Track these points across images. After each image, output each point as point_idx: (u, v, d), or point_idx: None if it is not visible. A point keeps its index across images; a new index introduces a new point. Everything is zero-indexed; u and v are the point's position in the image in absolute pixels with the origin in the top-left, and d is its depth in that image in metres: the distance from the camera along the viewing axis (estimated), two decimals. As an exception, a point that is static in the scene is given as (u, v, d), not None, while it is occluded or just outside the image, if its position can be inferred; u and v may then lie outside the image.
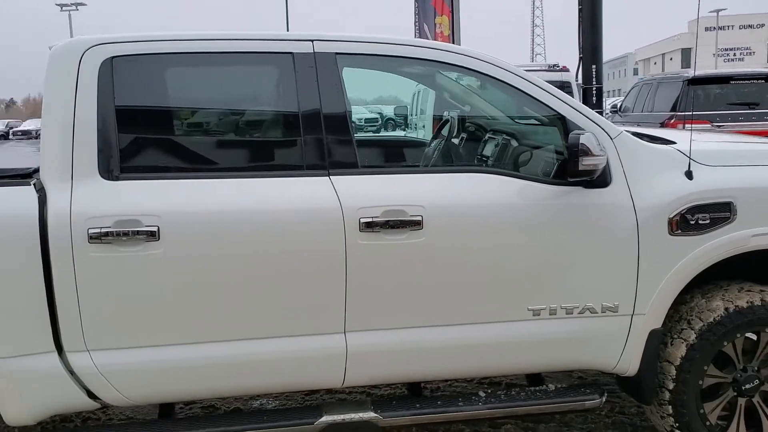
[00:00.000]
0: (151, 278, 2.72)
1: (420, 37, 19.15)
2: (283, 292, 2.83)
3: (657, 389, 3.21)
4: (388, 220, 2.85)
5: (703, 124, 9.96)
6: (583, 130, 2.97)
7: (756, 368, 3.21)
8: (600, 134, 3.03)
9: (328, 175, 2.89)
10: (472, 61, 3.06)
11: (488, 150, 3.64)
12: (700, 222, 3.03)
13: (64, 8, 45.53)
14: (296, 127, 2.93)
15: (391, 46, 3.04)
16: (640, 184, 3.04)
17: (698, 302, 3.22)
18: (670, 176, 3.07)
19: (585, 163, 2.80)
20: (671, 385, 3.14)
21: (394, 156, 4.07)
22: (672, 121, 10.24)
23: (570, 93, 9.84)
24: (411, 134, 12.51)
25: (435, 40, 18.74)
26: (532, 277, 2.98)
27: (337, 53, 2.97)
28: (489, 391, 3.16)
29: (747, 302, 3.14)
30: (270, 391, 3.11)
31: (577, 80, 12.15)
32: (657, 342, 3.11)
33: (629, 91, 13.84)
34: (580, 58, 11.83)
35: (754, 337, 3.20)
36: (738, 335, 3.16)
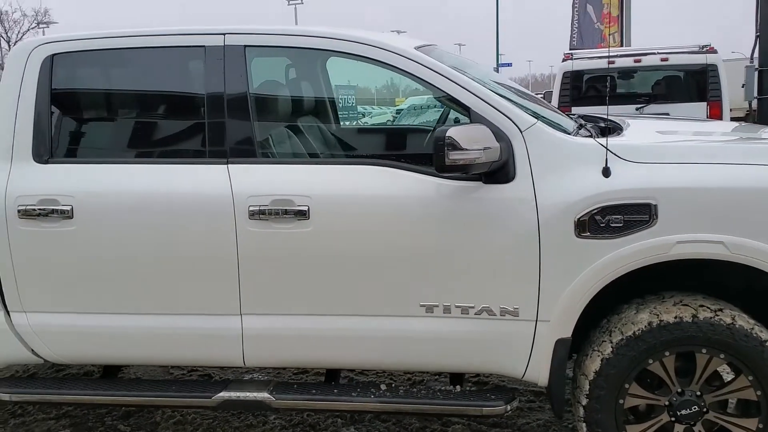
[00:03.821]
0: (66, 252, 3.07)
1: (577, 19, 18.12)
2: (183, 272, 3.03)
3: (575, 404, 2.95)
4: (276, 209, 2.93)
5: None
6: (482, 120, 2.82)
7: (698, 393, 2.83)
8: (507, 126, 2.85)
9: (227, 163, 3.03)
10: (374, 51, 3.01)
11: (407, 141, 3.54)
12: (612, 225, 2.72)
13: (290, 2, 49.79)
14: (203, 116, 3.10)
15: (297, 38, 3.10)
16: (548, 181, 2.80)
17: (628, 313, 2.90)
18: (585, 173, 2.79)
19: (452, 157, 2.64)
20: (585, 401, 2.87)
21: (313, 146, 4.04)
22: None
23: (715, 77, 8.77)
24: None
25: (600, 21, 17.83)
26: (422, 272, 2.89)
27: (246, 45, 3.09)
28: (392, 385, 3.11)
29: (675, 317, 2.76)
30: (177, 364, 3.34)
31: (752, 61, 10.84)
32: (565, 352, 2.86)
33: None
34: (757, 36, 10.55)
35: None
36: (666, 353, 2.79)
